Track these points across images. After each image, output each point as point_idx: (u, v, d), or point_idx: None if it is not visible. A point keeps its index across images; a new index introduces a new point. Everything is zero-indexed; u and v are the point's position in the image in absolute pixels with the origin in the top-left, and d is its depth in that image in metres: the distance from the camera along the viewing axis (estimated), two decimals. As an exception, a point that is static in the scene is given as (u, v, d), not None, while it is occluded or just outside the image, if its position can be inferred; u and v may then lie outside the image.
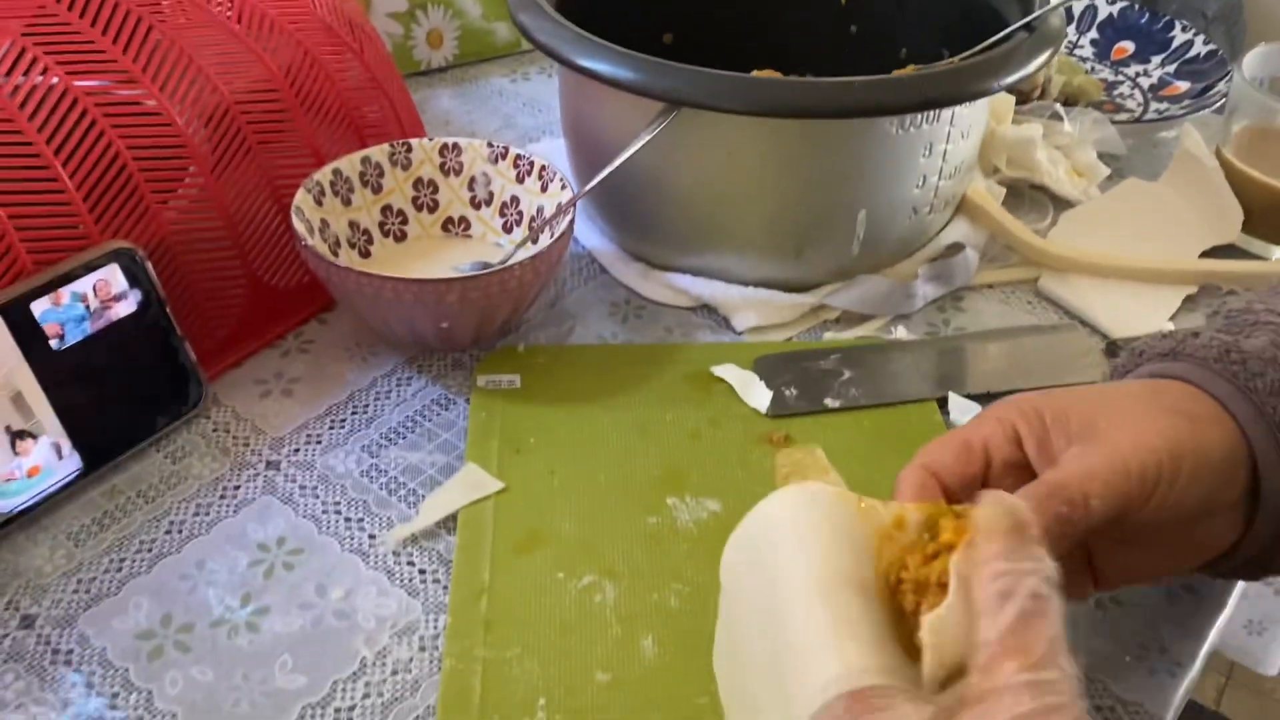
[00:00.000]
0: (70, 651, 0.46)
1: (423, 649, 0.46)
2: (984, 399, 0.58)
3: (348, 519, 0.52)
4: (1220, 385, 0.40)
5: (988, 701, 0.28)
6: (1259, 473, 0.40)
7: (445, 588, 0.49)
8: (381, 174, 0.63)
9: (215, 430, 0.57)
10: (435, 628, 0.47)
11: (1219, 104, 0.80)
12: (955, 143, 0.62)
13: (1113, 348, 0.62)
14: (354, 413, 0.58)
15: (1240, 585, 0.51)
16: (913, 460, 0.40)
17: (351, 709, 0.44)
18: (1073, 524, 0.36)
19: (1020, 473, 0.40)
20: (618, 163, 0.57)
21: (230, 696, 0.45)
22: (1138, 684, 0.46)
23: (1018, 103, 0.76)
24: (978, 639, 0.30)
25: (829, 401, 0.58)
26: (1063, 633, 0.29)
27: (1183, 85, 0.84)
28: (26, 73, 0.52)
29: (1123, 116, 0.81)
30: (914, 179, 0.62)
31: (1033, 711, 0.28)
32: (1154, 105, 0.83)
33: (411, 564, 0.50)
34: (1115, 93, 0.86)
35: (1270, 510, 0.40)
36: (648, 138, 0.57)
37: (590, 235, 0.70)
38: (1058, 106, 0.76)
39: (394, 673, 0.46)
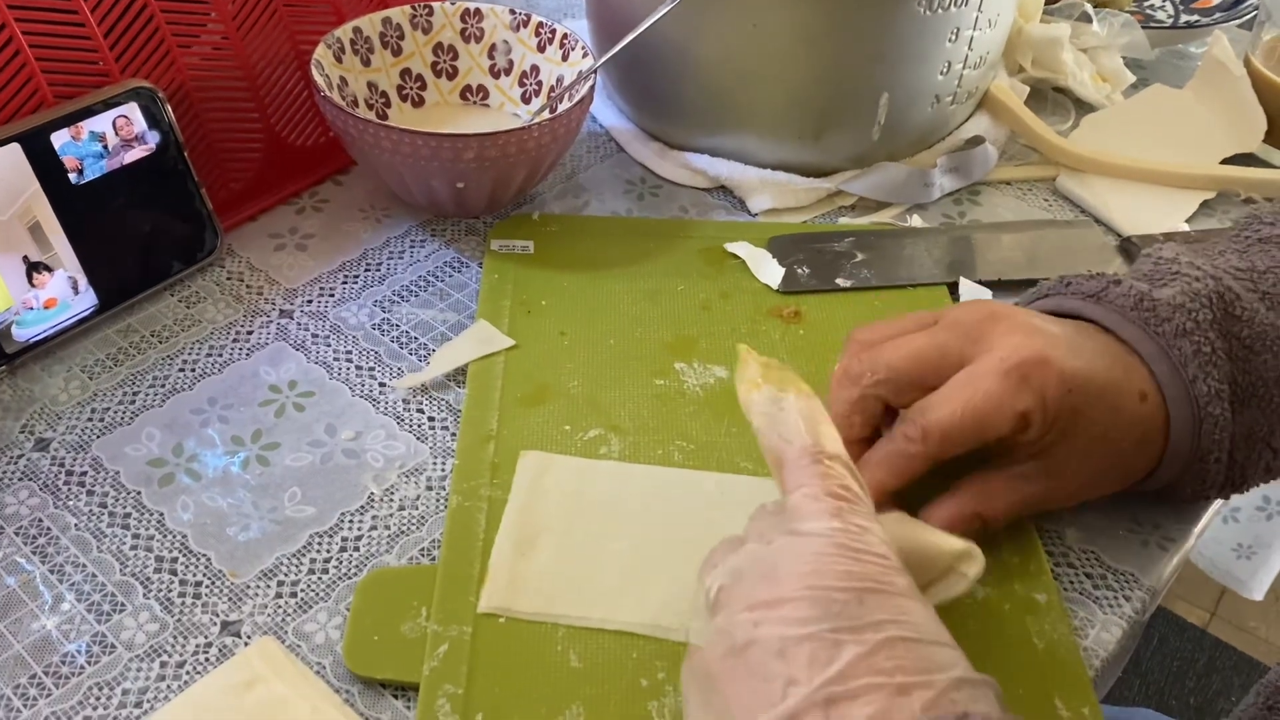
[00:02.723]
0: (84, 474, 0.47)
1: (429, 488, 0.47)
2: (995, 285, 0.58)
3: (359, 367, 0.53)
4: (1130, 329, 0.44)
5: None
6: (1168, 409, 0.43)
7: (453, 435, 0.50)
8: (402, 36, 0.63)
9: (229, 279, 0.57)
10: (443, 470, 0.48)
11: (1250, 17, 0.79)
12: (982, 30, 0.62)
13: (1126, 244, 0.62)
14: (367, 269, 0.58)
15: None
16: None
17: (358, 539, 0.45)
18: (918, 454, 0.42)
19: None
20: (647, 24, 0.57)
21: (240, 522, 0.45)
22: (1130, 556, 0.47)
23: (1047, 2, 0.75)
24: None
25: (841, 281, 0.58)
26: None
27: (1215, -3, 0.83)
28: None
29: (1151, 26, 0.80)
30: (939, 65, 0.61)
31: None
32: (1184, 17, 0.82)
33: (421, 411, 0.51)
34: (1146, 4, 0.84)
35: (1178, 440, 0.44)
36: (674, 2, 0.57)
37: (608, 114, 0.70)
38: (1087, 7, 0.75)
39: (401, 508, 0.46)
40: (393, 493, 0.47)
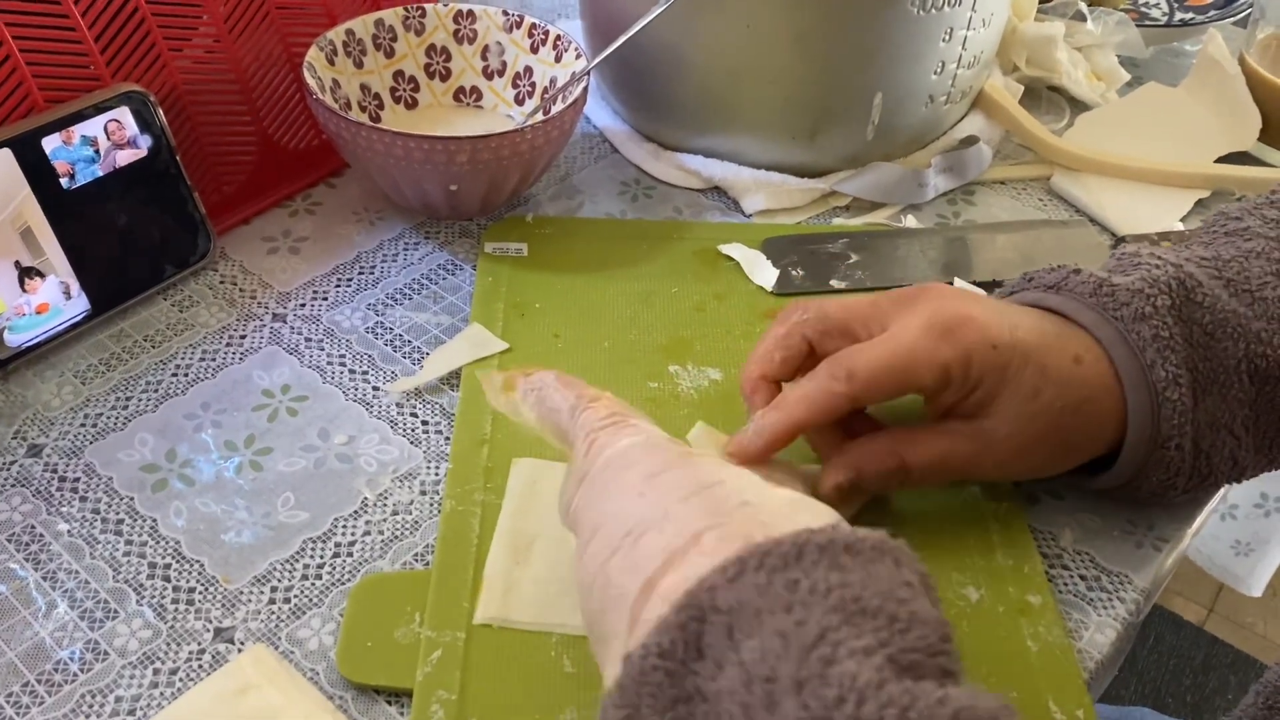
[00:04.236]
0: (77, 479, 0.47)
1: (423, 493, 0.47)
2: (990, 286, 0.58)
3: (352, 371, 0.52)
4: (1087, 314, 0.45)
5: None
6: (1126, 396, 0.43)
7: (447, 439, 0.49)
8: (394, 37, 0.63)
9: (222, 282, 0.57)
10: (436, 474, 0.48)
11: (1244, 14, 0.79)
12: (976, 30, 0.62)
13: (1121, 244, 0.62)
14: (360, 273, 0.58)
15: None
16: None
17: (352, 544, 0.45)
18: (841, 393, 0.42)
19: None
20: (640, 25, 0.57)
21: (233, 528, 0.45)
22: (1123, 556, 0.47)
23: (1041, 0, 0.75)
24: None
25: (835, 283, 0.58)
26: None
27: (1210, -5, 0.83)
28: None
29: (1146, 24, 0.80)
30: (932, 64, 0.61)
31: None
32: (1179, 15, 0.82)
33: (414, 415, 0.50)
34: (1141, 2, 0.84)
35: (1138, 427, 0.44)
36: (668, 3, 0.56)
37: (602, 114, 0.70)
38: (1082, 5, 0.75)
39: (394, 513, 0.46)
40: (386, 497, 0.47)
